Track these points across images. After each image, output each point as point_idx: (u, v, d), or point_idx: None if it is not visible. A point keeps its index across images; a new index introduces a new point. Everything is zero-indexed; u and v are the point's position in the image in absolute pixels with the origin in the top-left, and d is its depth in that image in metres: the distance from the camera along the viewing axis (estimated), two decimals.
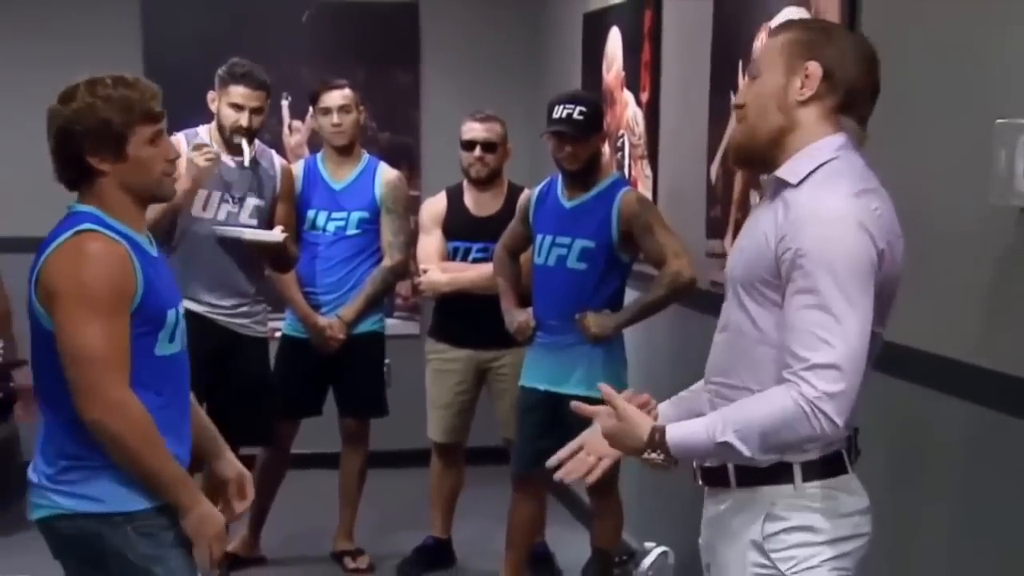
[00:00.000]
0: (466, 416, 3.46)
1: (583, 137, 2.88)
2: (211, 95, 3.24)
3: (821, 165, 1.55)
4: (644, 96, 3.36)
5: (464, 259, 3.39)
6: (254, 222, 3.25)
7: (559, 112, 2.87)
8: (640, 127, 3.40)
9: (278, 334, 3.59)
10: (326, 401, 3.58)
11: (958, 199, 1.86)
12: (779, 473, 1.55)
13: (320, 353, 3.45)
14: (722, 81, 2.82)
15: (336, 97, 3.43)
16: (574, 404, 1.73)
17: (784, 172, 1.58)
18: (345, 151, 3.47)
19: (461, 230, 3.39)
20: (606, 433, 1.60)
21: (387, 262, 3.47)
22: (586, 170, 2.93)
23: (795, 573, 1.53)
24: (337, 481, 3.55)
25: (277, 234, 3.15)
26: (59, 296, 1.77)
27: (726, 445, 1.49)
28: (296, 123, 4.39)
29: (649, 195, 3.23)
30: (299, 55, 4.35)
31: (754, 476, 1.56)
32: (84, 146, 1.81)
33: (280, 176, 3.34)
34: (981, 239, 1.79)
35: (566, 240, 2.93)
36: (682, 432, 1.53)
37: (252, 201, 3.25)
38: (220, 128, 3.21)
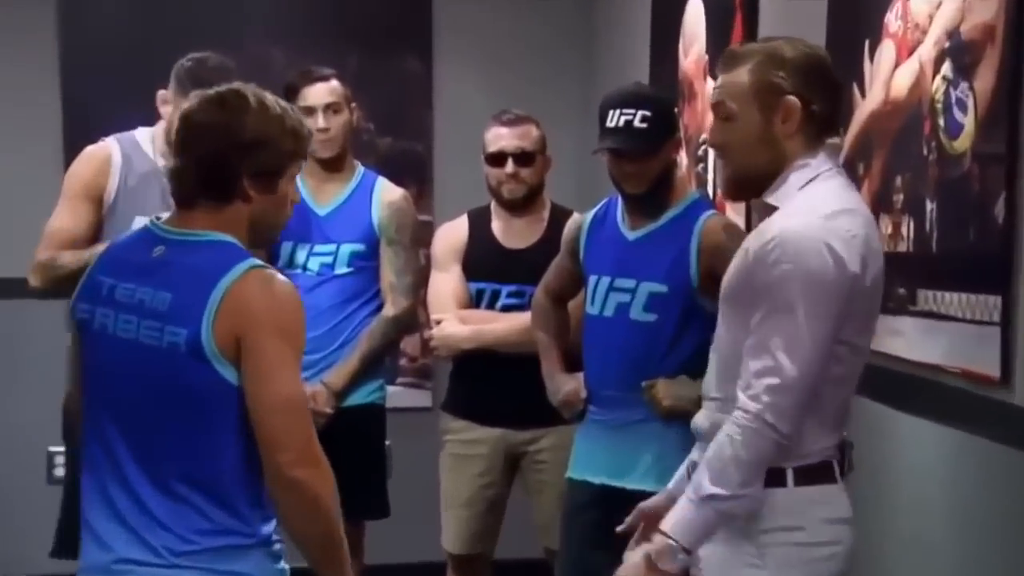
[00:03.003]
0: (493, 518, 3.50)
1: (649, 152, 2.90)
2: (162, 95, 3.28)
3: (803, 186, 2.13)
4: None
5: (491, 306, 3.45)
6: None
7: (615, 119, 2.90)
8: None
9: None
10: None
11: None
12: (773, 476, 2.11)
13: None
14: (842, 65, 2.73)
15: (321, 92, 3.49)
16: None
17: (770, 197, 2.17)
18: (333, 164, 3.53)
19: (488, 267, 3.46)
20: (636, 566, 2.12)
21: (389, 310, 3.52)
22: (655, 191, 2.95)
23: (779, 568, 2.09)
24: None
25: None
26: (265, 338, 1.98)
27: (711, 497, 2.06)
28: None
29: (741, 221, 3.24)
30: (270, 34, 4.46)
31: None
32: (244, 165, 2.06)
33: None
34: None
35: (629, 283, 2.95)
36: (673, 519, 2.09)
37: None
38: (169, 133, 3.16)
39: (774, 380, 2.05)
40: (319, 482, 2.03)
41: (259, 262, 2.06)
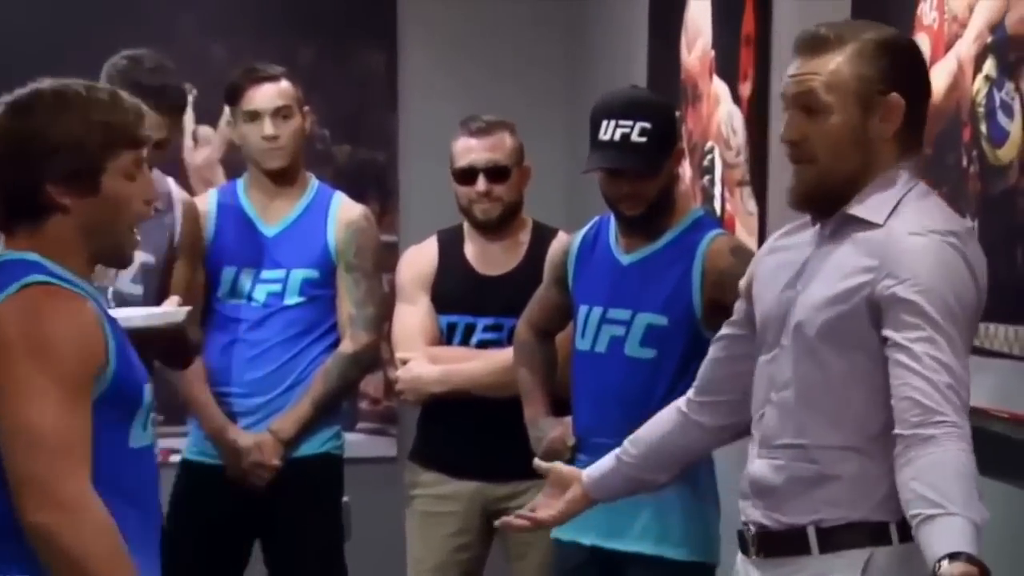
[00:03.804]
0: None
1: (650, 170, 2.91)
2: None
3: (901, 199, 2.13)
4: (745, 88, 3.39)
5: (465, 342, 3.43)
6: (138, 289, 3.26)
7: (609, 131, 2.90)
8: (739, 136, 3.43)
9: (174, 459, 3.66)
10: (250, 563, 3.61)
11: None
12: (875, 533, 2.11)
13: (241, 489, 3.48)
14: None
15: (269, 94, 3.49)
16: None
17: (860, 210, 2.15)
18: (282, 177, 3.54)
19: (461, 298, 3.44)
20: None
21: (347, 347, 3.52)
22: (654, 212, 2.96)
23: None
24: None
25: (177, 311, 3.12)
26: (12, 361, 1.94)
27: (975, 526, 1.97)
28: (204, 131, 4.47)
29: (753, 243, 3.24)
30: (208, 26, 4.42)
31: (844, 538, 2.13)
32: (45, 172, 2.03)
33: (181, 217, 3.38)
34: None
35: (623, 314, 2.95)
36: (963, 540, 1.94)
37: (137, 257, 3.19)
38: None
39: (962, 395, 2.05)
40: (69, 532, 1.93)
41: (42, 278, 2.01)
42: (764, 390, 2.25)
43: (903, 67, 2.17)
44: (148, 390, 2.11)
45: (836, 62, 2.15)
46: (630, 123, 2.88)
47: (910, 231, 2.10)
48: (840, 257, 2.17)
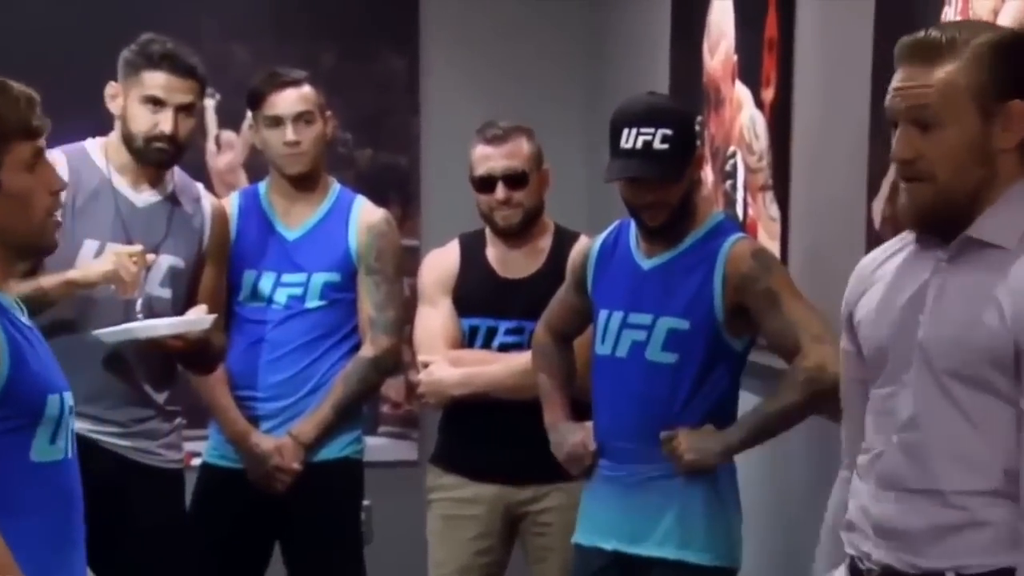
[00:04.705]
0: None
1: (672, 178, 2.91)
2: (111, 88, 3.28)
3: (1016, 219, 2.01)
4: (768, 94, 3.38)
5: (487, 345, 3.46)
6: (167, 294, 3.28)
7: (631, 139, 2.89)
8: (762, 141, 3.43)
9: (196, 462, 3.66)
10: (270, 566, 3.63)
11: None
12: None
13: (262, 493, 3.50)
14: (892, 68, 2.71)
15: (291, 99, 3.50)
16: None
17: (987, 233, 2.02)
18: (304, 182, 3.56)
19: (482, 301, 3.47)
20: None
21: (368, 350, 3.55)
22: (676, 218, 2.96)
23: None
24: None
25: (202, 319, 3.17)
26: None
27: None
28: (227, 135, 4.50)
29: (775, 247, 3.25)
30: (230, 28, 4.44)
31: None
32: None
33: (210, 221, 3.40)
34: None
35: (645, 319, 2.96)
36: None
37: (166, 260, 3.29)
38: (128, 138, 3.25)
39: None
40: None
41: None
42: (882, 427, 2.13)
43: (1020, 68, 2.03)
44: (57, 401, 2.05)
45: (949, 70, 2.02)
46: (651, 130, 2.88)
47: None
48: (969, 288, 2.04)
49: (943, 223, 2.07)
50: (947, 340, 2.04)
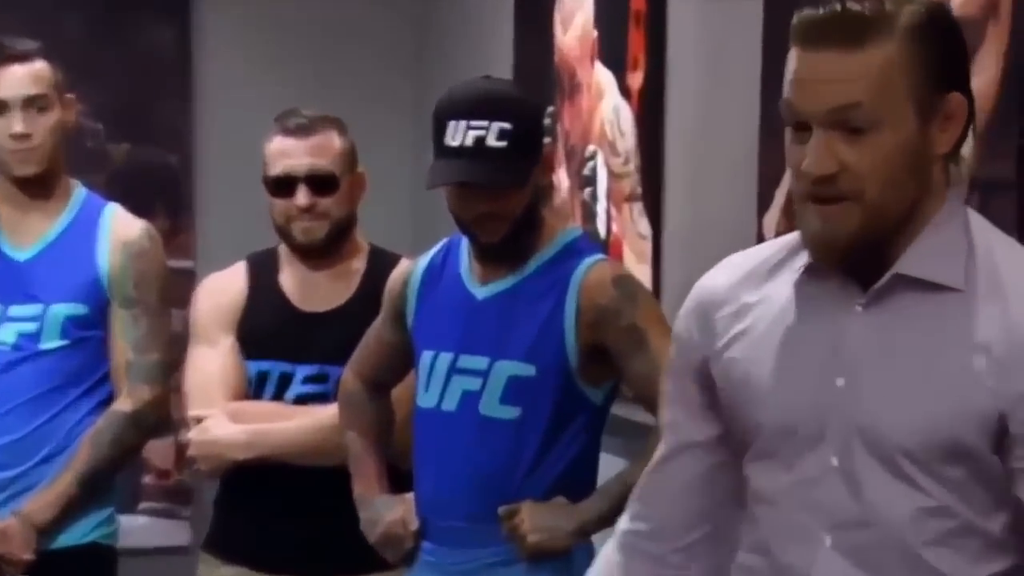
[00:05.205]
0: None
1: (512, 183, 2.84)
2: None
3: (972, 245, 1.89)
4: (635, 79, 3.36)
5: (280, 396, 3.32)
6: None
7: (459, 134, 2.82)
8: (628, 139, 3.42)
9: None
10: None
11: None
12: None
13: None
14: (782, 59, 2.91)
15: (17, 79, 3.39)
16: None
17: (927, 269, 1.89)
18: (37, 185, 3.43)
19: (274, 339, 3.32)
20: None
21: (124, 404, 3.43)
22: (517, 234, 2.89)
23: None
24: None
25: None
26: None
27: None
28: None
29: (645, 273, 3.22)
30: None
31: None
32: None
33: None
34: None
35: (479, 362, 2.88)
36: None
37: None
38: None
39: None
40: None
41: None
42: (797, 527, 1.96)
43: (957, 52, 1.91)
44: None
45: (883, 54, 1.83)
46: (485, 124, 2.81)
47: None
48: (913, 341, 1.89)
49: (870, 253, 1.90)
50: (900, 414, 1.88)
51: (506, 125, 2.81)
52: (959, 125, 1.88)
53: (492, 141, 2.80)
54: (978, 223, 1.92)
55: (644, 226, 3.33)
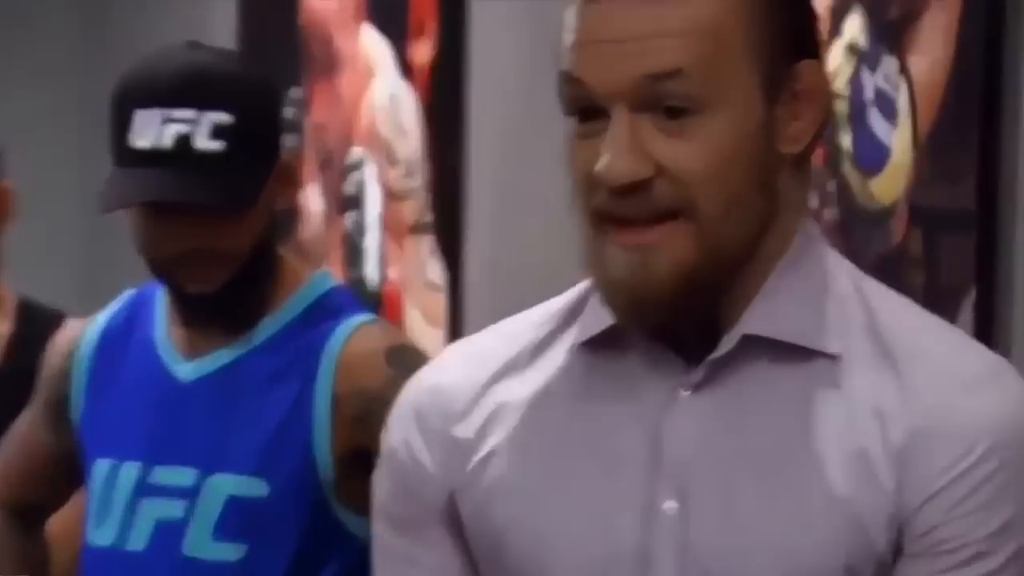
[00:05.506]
0: None
1: (234, 203, 2.55)
2: None
3: (842, 300, 1.70)
4: (422, 50, 3.33)
5: None
6: None
7: (148, 129, 2.52)
8: (411, 139, 3.37)
9: None
10: None
11: None
12: None
13: None
14: None
15: None
16: None
17: (784, 328, 1.64)
18: None
19: None
20: None
21: None
22: (241, 281, 2.57)
23: None
24: None
25: None
26: None
27: None
28: None
29: (436, 338, 3.23)
30: None
31: None
32: None
33: None
34: None
35: (183, 477, 2.58)
36: None
37: None
38: None
39: None
40: None
41: None
42: None
43: (808, 12, 1.71)
44: None
45: (715, 2, 1.63)
46: (191, 115, 2.52)
47: (958, 374, 1.64)
48: (771, 436, 1.68)
49: (695, 310, 1.68)
50: (755, 549, 1.69)
51: (224, 117, 2.52)
52: (816, 110, 1.67)
53: (203, 141, 2.51)
54: (842, 264, 1.74)
55: (436, 271, 3.26)
